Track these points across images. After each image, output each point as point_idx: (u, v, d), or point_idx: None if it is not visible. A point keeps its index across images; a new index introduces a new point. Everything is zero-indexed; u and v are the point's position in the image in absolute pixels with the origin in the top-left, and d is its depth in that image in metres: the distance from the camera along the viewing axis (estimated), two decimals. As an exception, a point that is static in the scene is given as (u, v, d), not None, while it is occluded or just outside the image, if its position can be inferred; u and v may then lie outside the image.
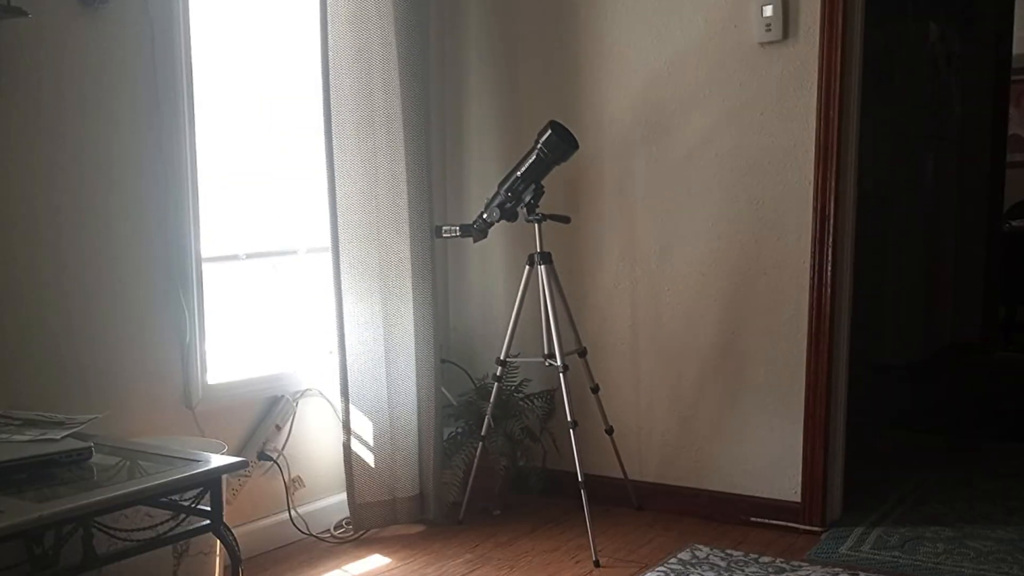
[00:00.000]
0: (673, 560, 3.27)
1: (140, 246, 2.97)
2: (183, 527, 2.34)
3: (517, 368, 3.86)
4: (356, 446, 3.50)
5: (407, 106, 3.48)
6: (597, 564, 3.27)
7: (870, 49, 3.65)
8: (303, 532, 3.49)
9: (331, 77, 3.35)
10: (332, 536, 3.56)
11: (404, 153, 3.50)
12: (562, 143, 3.40)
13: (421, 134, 3.53)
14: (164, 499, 2.30)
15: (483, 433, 3.66)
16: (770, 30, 3.43)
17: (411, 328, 3.54)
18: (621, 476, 3.78)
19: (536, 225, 3.50)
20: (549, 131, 3.39)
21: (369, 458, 3.52)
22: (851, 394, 3.63)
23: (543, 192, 3.51)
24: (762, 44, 3.47)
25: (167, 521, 2.32)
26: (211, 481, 2.32)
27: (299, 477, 3.53)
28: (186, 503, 2.33)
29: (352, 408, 3.48)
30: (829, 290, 3.43)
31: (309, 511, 3.54)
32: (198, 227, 3.11)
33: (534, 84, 3.94)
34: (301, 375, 3.53)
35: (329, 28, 3.33)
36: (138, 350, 2.98)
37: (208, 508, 2.33)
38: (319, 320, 3.62)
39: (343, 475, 3.51)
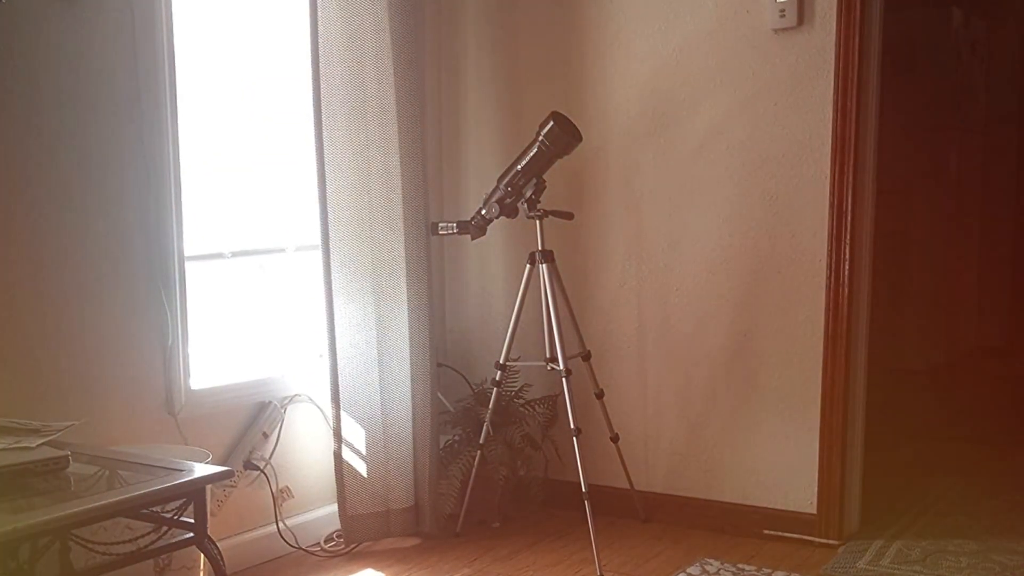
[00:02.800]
0: (682, 575, 3.27)
1: (120, 244, 2.97)
2: (165, 540, 2.34)
3: (517, 372, 3.86)
4: (348, 455, 3.51)
5: (401, 96, 3.49)
6: (602, 579, 3.28)
7: (890, 36, 3.65)
8: (292, 545, 3.49)
9: (321, 65, 3.35)
10: (322, 550, 3.56)
11: (398, 146, 3.50)
12: (565, 135, 3.40)
13: (416, 125, 3.54)
14: (145, 511, 2.29)
15: (482, 441, 3.66)
16: (784, 16, 3.43)
17: (405, 330, 3.55)
18: (627, 486, 3.78)
19: (537, 222, 3.51)
20: (551, 123, 3.40)
21: (361, 467, 3.52)
22: (870, 400, 3.64)
23: (545, 187, 3.51)
24: (776, 31, 3.47)
25: (148, 534, 2.32)
26: (195, 492, 2.32)
27: (287, 487, 3.53)
28: (168, 515, 2.33)
29: (343, 415, 3.49)
30: (846, 290, 3.43)
31: (298, 523, 3.54)
32: (181, 224, 3.11)
33: (535, 73, 3.95)
34: (289, 380, 3.53)
35: (319, 13, 3.34)
36: (118, 353, 2.98)
37: (191, 520, 2.34)
38: (308, 322, 3.62)
39: (334, 485, 3.51)
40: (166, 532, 2.35)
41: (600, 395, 3.68)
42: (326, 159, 3.40)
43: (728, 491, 3.70)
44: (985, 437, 5.03)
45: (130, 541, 2.31)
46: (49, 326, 2.81)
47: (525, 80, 3.97)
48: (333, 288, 3.44)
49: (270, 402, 3.45)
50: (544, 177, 3.50)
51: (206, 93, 3.29)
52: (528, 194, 3.48)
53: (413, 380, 3.56)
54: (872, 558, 3.39)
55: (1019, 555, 3.41)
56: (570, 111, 3.57)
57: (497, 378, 3.64)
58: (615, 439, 3.72)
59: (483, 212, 3.55)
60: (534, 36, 3.93)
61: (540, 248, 3.52)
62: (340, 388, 3.47)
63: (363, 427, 3.51)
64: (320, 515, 3.63)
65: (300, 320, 3.64)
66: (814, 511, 3.55)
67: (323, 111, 3.37)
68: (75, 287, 2.87)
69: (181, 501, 2.32)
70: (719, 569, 3.31)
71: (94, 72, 2.88)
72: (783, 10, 3.43)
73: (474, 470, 3.69)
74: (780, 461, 3.60)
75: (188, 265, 3.16)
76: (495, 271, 4.08)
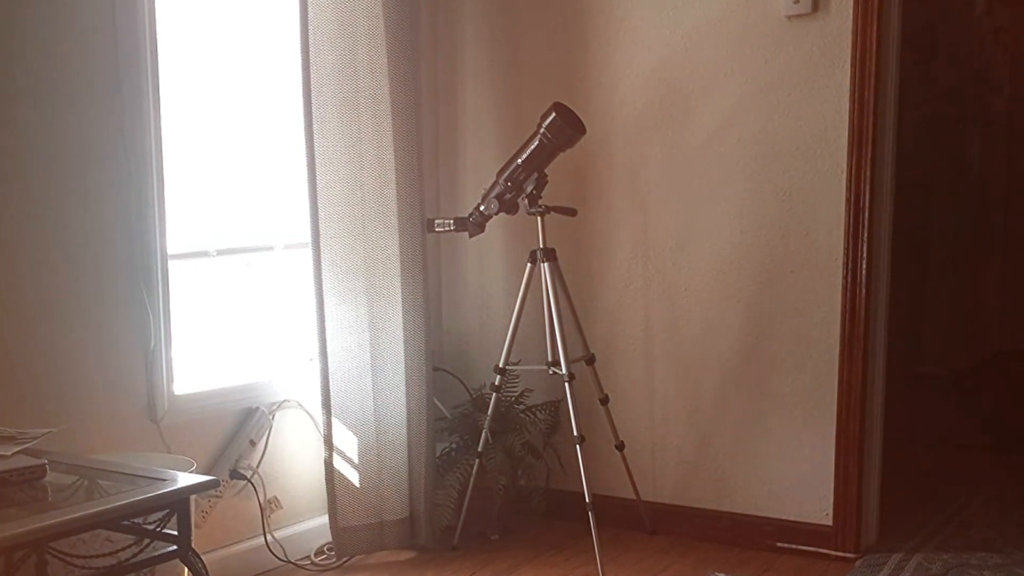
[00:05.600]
0: (691, 590, 3.28)
1: (99, 242, 2.97)
2: (147, 553, 2.34)
3: (518, 377, 3.87)
4: (339, 463, 3.51)
5: (395, 86, 3.49)
6: (606, 594, 3.28)
7: (909, 22, 3.65)
8: (280, 559, 3.49)
9: (311, 54, 3.36)
10: (312, 563, 3.56)
11: (392, 138, 3.50)
12: (567, 127, 3.40)
13: (411, 117, 3.54)
14: (126, 522, 2.30)
15: (480, 449, 3.67)
16: (799, 1, 3.44)
17: (400, 332, 3.55)
18: (633, 497, 3.79)
19: (539, 218, 3.51)
20: (553, 114, 3.40)
21: (354, 477, 3.52)
22: (888, 406, 3.64)
23: (546, 182, 3.51)
24: (790, 17, 3.47)
25: (130, 547, 2.32)
26: (178, 502, 2.32)
27: (276, 498, 3.53)
28: (150, 527, 2.34)
29: (335, 421, 3.49)
30: (864, 290, 3.44)
31: (287, 535, 3.55)
32: (164, 221, 3.11)
33: (536, 62, 3.95)
34: (278, 385, 3.53)
35: None
36: (97, 357, 2.98)
37: (175, 532, 2.34)
38: (298, 324, 3.63)
39: (325, 496, 3.51)
40: (148, 545, 2.35)
41: (604, 401, 3.69)
42: (316, 152, 3.40)
43: (739, 502, 3.70)
44: (1010, 445, 5.02)
45: (110, 554, 2.31)
46: (26, 328, 2.81)
47: (526, 69, 3.97)
48: (324, 288, 3.44)
49: (257, 408, 3.45)
50: (546, 171, 3.50)
51: (190, 83, 3.29)
52: (529, 189, 3.49)
53: (408, 385, 3.57)
54: (891, 572, 3.39)
55: (1045, 569, 3.42)
56: (573, 102, 3.57)
57: (496, 383, 3.64)
58: (620, 447, 3.73)
59: (481, 208, 3.55)
60: (535, 23, 3.93)
61: (541, 246, 3.53)
62: (331, 393, 3.47)
63: (355, 434, 3.51)
64: (310, 527, 3.63)
65: (289, 322, 3.64)
66: (830, 523, 3.55)
67: (313, 102, 3.37)
68: (53, 287, 2.87)
69: (164, 512, 2.32)
70: (730, 584, 3.32)
71: (72, 61, 2.88)
72: (797, -4, 3.44)
73: (472, 479, 3.69)
74: (794, 470, 3.60)
75: (171, 264, 3.16)
76: (494, 270, 4.09)
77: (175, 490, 2.32)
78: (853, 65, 3.38)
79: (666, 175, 3.74)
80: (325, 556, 3.61)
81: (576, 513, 3.56)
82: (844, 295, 3.46)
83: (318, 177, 3.41)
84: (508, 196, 3.51)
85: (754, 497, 3.68)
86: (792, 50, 3.49)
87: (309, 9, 3.34)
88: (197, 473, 2.68)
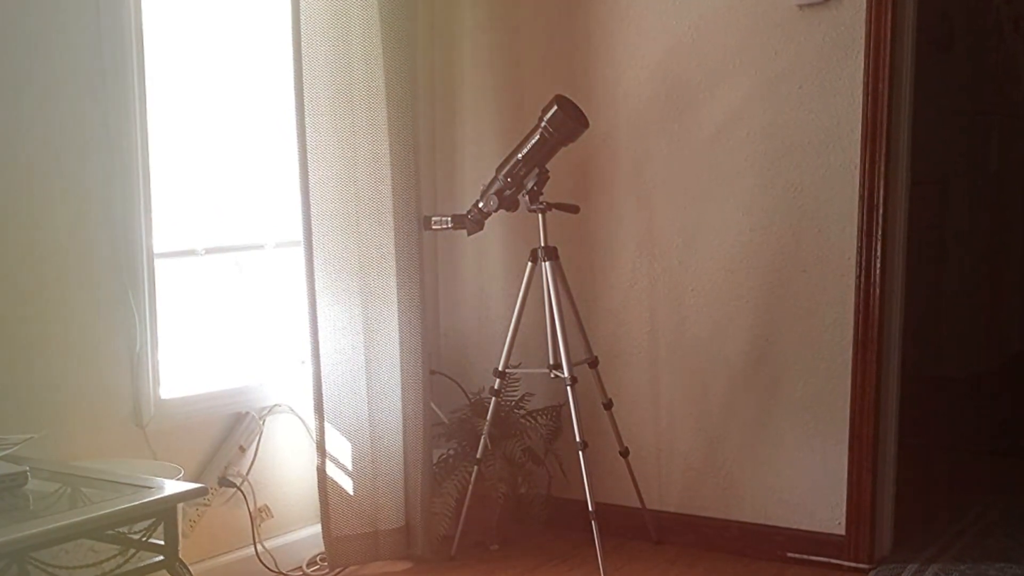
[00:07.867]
0: (698, 602, 3.28)
1: (83, 239, 2.97)
2: (132, 563, 2.35)
3: (518, 380, 3.87)
4: (332, 470, 3.51)
5: (391, 78, 3.49)
6: (610, 607, 3.28)
7: (925, 12, 3.65)
8: (271, 570, 3.49)
9: (303, 45, 3.35)
10: (304, 574, 3.56)
11: (387, 132, 3.50)
12: (570, 121, 3.40)
13: (407, 110, 3.54)
14: (111, 532, 2.30)
15: (479, 455, 3.67)
16: (810, -10, 3.44)
17: (396, 334, 3.55)
18: (638, 505, 3.79)
19: (540, 215, 3.51)
20: (555, 107, 3.40)
21: (347, 484, 3.53)
22: (903, 410, 3.64)
23: (548, 177, 3.51)
24: (801, 6, 3.47)
25: (114, 557, 2.32)
26: (165, 511, 2.33)
27: (266, 506, 3.53)
28: (136, 536, 2.34)
29: (328, 427, 3.49)
30: (878, 290, 3.44)
31: (278, 545, 3.55)
32: (150, 218, 3.11)
33: (537, 53, 3.95)
34: (269, 389, 3.53)
35: (301, -12, 3.34)
36: (81, 360, 2.98)
37: (161, 542, 2.34)
38: (289, 325, 3.63)
39: (317, 504, 3.51)
40: (134, 555, 2.35)
41: (608, 405, 3.69)
42: (308, 147, 3.40)
43: (748, 510, 3.70)
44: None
45: (94, 565, 2.31)
46: (6, 330, 2.81)
47: (526, 61, 3.97)
48: (316, 288, 3.44)
49: (247, 413, 3.45)
50: (547, 167, 3.50)
51: (177, 74, 3.29)
52: (530, 185, 3.49)
53: (404, 389, 3.57)
54: (906, 583, 3.40)
55: (1067, 580, 3.42)
56: (575, 94, 3.57)
57: (496, 387, 3.64)
58: (625, 453, 3.73)
59: (480, 205, 3.55)
60: (536, 12, 3.93)
61: (543, 244, 3.53)
62: (324, 397, 3.47)
63: (349, 440, 3.51)
64: (302, 536, 3.63)
65: (280, 323, 3.64)
66: (842, 532, 3.55)
67: (305, 94, 3.37)
68: (34, 287, 2.87)
69: (150, 521, 2.32)
70: (738, 595, 3.32)
71: (55, 52, 2.88)
72: (809, -16, 3.44)
73: (470, 487, 3.69)
74: (805, 477, 3.60)
75: (158, 263, 3.16)
76: (493, 270, 4.09)
77: (161, 498, 2.32)
78: (867, 56, 3.38)
79: (672, 171, 3.74)
80: (317, 567, 3.61)
81: (579, 522, 3.56)
82: (857, 295, 3.46)
83: (310, 173, 3.41)
84: (508, 192, 3.51)
85: (763, 505, 3.68)
86: (803, 41, 3.49)
87: (301, -2, 3.34)
88: (184, 481, 2.68)
